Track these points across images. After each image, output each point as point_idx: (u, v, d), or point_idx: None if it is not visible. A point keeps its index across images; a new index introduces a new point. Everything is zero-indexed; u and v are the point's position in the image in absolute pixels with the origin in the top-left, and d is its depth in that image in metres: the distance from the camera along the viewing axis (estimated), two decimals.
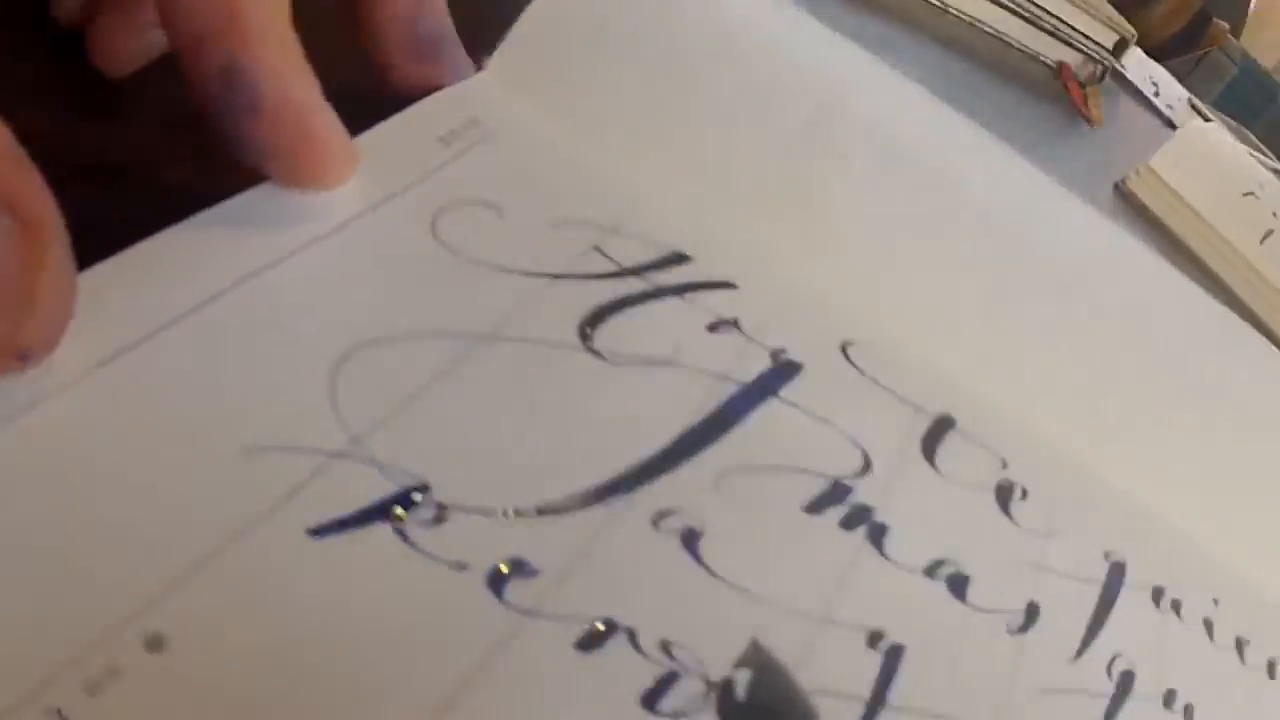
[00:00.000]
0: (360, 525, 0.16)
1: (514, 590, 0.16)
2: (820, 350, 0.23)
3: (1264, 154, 0.67)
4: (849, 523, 0.21)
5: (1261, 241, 0.50)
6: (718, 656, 0.18)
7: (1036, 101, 0.51)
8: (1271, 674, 0.27)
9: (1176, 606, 0.26)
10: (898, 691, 0.19)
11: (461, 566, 0.16)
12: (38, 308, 0.14)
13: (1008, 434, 0.25)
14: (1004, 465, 0.24)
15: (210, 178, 0.18)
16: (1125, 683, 0.23)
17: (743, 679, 0.17)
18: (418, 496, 0.16)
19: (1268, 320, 0.47)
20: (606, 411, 0.20)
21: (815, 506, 0.20)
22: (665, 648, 0.17)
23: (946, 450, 0.23)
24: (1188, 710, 0.23)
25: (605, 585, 0.17)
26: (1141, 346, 0.33)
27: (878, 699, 0.19)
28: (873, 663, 0.19)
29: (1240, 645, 0.26)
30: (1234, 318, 0.34)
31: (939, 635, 0.20)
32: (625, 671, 0.17)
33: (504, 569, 0.16)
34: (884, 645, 0.19)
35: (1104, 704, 0.22)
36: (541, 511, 0.17)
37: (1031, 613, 0.22)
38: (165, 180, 0.20)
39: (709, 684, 0.17)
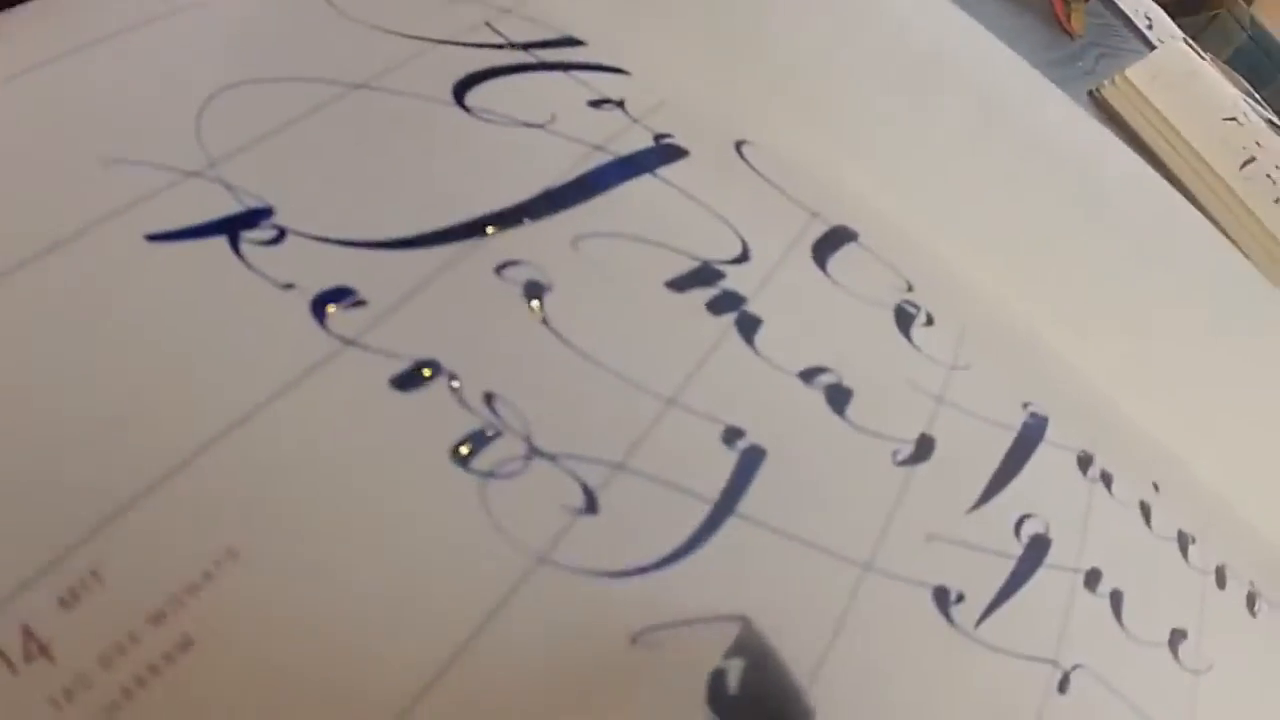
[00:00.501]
0: (198, 237, 0.16)
1: (337, 318, 0.16)
2: (711, 142, 0.22)
3: (1265, 110, 0.65)
4: (716, 307, 0.19)
5: (1241, 167, 0.48)
6: (543, 420, 0.16)
7: (1020, 12, 0.49)
8: (1220, 582, 0.24)
9: (1107, 480, 0.23)
10: (751, 500, 0.17)
11: (288, 286, 0.16)
12: None
13: (921, 262, 0.24)
14: (909, 289, 0.23)
15: None
16: (1037, 547, 0.21)
17: (735, 668, 0.15)
18: (260, 219, 0.16)
19: (1244, 245, 0.46)
20: (467, 164, 0.19)
21: (679, 284, 0.19)
22: (489, 400, 0.16)
23: (843, 259, 0.22)
24: (1115, 597, 0.21)
25: (433, 326, 0.16)
26: (1102, 224, 0.31)
27: (726, 504, 0.17)
28: (726, 461, 0.18)
29: (1183, 540, 0.24)
30: (1179, 198, 0.33)
31: (809, 447, 0.19)
32: (441, 418, 0.15)
33: (328, 294, 0.16)
34: (741, 444, 0.18)
35: (1009, 565, 0.20)
36: (378, 245, 0.17)
37: (924, 446, 0.20)
38: None
39: (531, 448, 0.16)
